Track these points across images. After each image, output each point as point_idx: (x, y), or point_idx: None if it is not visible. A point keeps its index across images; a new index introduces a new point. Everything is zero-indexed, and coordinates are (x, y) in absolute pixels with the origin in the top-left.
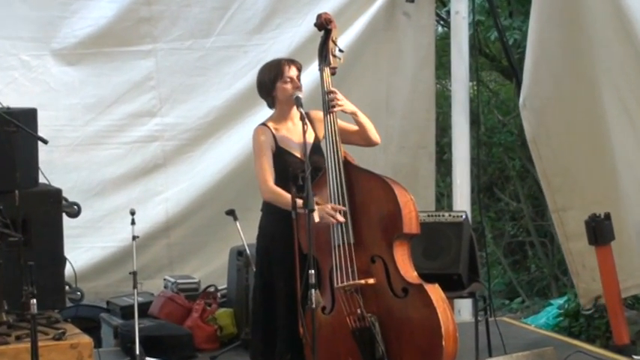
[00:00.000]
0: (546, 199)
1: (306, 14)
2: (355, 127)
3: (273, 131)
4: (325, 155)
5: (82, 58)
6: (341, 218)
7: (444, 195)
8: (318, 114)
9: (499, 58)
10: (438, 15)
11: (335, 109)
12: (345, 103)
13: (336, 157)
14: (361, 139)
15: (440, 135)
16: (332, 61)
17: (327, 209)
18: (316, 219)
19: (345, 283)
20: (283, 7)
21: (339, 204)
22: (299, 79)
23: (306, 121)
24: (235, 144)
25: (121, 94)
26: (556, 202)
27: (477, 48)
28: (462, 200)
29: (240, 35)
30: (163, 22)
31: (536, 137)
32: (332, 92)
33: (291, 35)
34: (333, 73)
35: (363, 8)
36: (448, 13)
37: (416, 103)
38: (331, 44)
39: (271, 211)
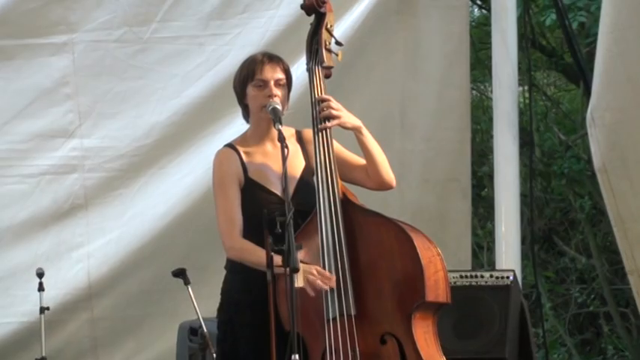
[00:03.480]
0: (621, 254)
1: None
2: (360, 161)
3: (243, 156)
4: (316, 189)
5: None
6: (332, 284)
7: (483, 247)
8: (312, 134)
9: (560, 53)
10: None
11: (329, 124)
12: (343, 115)
13: (331, 192)
14: (367, 176)
15: (477, 162)
16: (326, 58)
17: (313, 272)
18: (299, 283)
19: None
20: None
21: (334, 260)
22: (284, 85)
23: (286, 142)
24: (186, 176)
25: (22, 105)
26: (635, 259)
27: (528, 38)
28: (508, 255)
29: (192, 21)
30: (84, 3)
31: (607, 165)
32: (324, 100)
33: (265, 22)
34: (327, 76)
35: None
36: None
37: (444, 118)
38: (325, 34)
39: (239, 270)
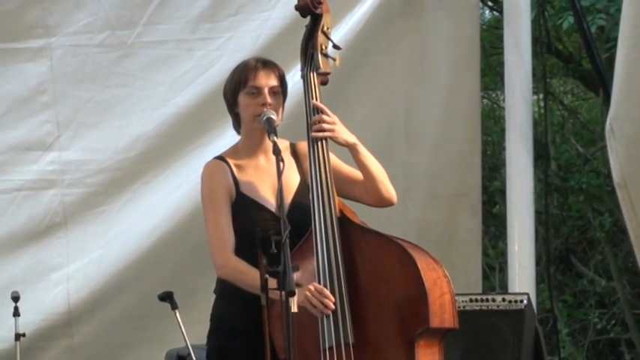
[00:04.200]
0: None
1: None
2: (359, 175)
3: (234, 170)
4: (311, 207)
5: None
6: (331, 306)
7: (494, 269)
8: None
9: (578, 58)
10: None
11: (321, 134)
12: (337, 129)
13: (327, 209)
14: (366, 192)
15: (489, 177)
16: (322, 64)
17: (312, 292)
18: (294, 308)
19: None
20: None
21: (330, 283)
22: (279, 93)
23: (281, 156)
24: (174, 192)
25: None
26: None
27: (543, 42)
28: (522, 277)
29: (180, 24)
30: (63, 4)
31: (627, 179)
32: (318, 111)
33: (259, 24)
34: (323, 83)
35: None
36: None
37: (452, 128)
38: (321, 38)
39: (229, 294)
